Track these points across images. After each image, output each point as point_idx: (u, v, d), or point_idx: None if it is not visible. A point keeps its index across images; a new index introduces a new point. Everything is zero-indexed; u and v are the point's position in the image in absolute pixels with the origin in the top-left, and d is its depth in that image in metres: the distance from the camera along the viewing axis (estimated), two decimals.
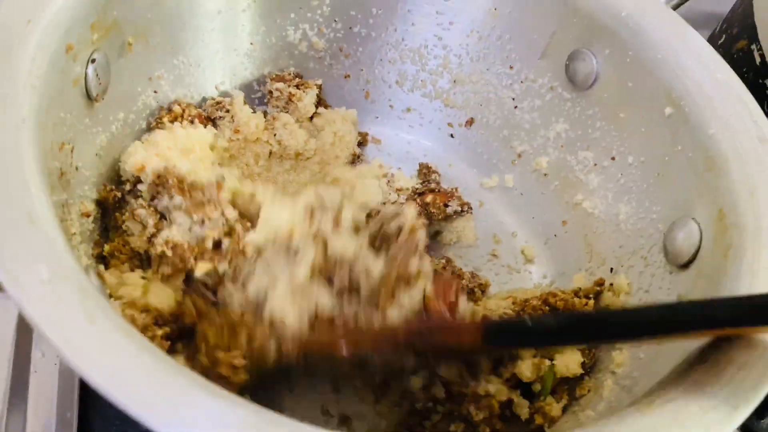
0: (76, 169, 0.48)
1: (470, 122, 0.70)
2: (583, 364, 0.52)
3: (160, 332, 0.45)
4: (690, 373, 0.37)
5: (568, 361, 0.52)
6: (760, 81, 0.59)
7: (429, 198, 0.63)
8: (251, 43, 0.65)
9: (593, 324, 0.40)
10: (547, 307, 0.55)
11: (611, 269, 0.58)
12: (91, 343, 0.30)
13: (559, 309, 0.54)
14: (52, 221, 0.35)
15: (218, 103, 0.61)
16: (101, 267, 0.49)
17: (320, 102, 0.66)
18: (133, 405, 0.29)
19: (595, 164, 0.62)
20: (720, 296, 0.43)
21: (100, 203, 0.51)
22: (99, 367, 0.29)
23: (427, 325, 0.46)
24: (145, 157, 0.51)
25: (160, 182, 0.50)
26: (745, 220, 0.45)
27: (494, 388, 0.49)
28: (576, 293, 0.56)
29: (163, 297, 0.47)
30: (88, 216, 0.49)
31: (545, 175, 0.66)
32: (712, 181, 0.49)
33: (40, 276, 0.31)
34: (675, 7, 0.60)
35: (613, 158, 0.60)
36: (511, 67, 0.66)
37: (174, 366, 0.32)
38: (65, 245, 0.34)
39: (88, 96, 0.49)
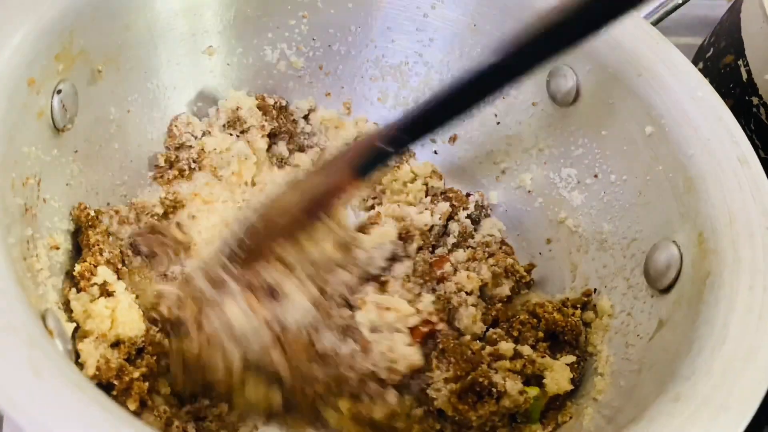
0: (44, 201, 0.48)
1: (454, 138, 0.69)
2: (572, 380, 0.51)
3: (136, 374, 0.44)
4: (662, 415, 0.36)
5: (558, 377, 0.51)
6: (747, 98, 0.58)
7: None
8: (227, 64, 0.64)
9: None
10: (535, 320, 0.54)
11: (594, 290, 0.57)
12: (36, 398, 0.29)
13: (548, 321, 0.53)
14: (4, 269, 0.34)
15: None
16: (73, 292, 0.48)
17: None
18: None
19: (578, 182, 0.61)
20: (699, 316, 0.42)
21: (73, 232, 0.51)
22: (42, 424, 0.29)
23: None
24: None
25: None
26: (724, 248, 0.44)
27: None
28: (564, 303, 0.55)
29: (131, 323, 0.47)
30: (57, 248, 0.48)
31: (529, 191, 0.65)
32: (692, 204, 0.48)
33: None
34: (657, 22, 0.59)
35: (596, 176, 0.59)
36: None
37: (126, 421, 0.31)
38: (16, 292, 0.34)
39: (55, 127, 0.48)
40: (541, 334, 0.53)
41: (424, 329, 0.51)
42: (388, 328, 0.51)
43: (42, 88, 0.46)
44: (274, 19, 0.63)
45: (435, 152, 0.70)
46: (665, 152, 0.51)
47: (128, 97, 0.57)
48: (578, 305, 0.55)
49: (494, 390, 0.48)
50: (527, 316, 0.54)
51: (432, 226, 0.61)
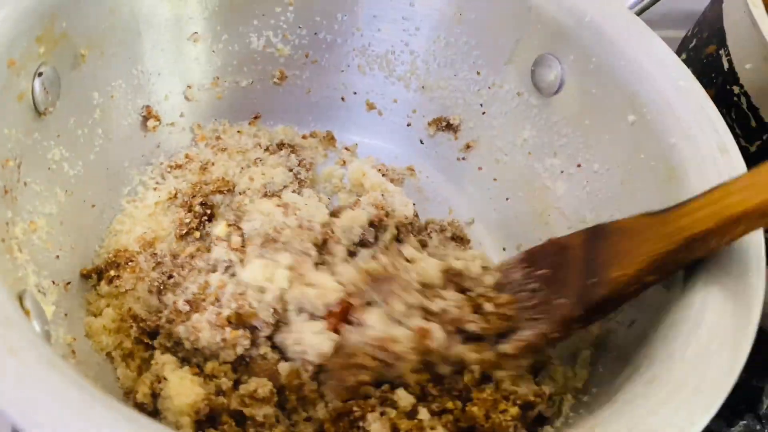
0: (24, 184, 0.47)
1: (438, 126, 0.69)
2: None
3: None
4: (637, 397, 0.36)
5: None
6: (728, 87, 0.58)
7: None
8: (213, 51, 0.64)
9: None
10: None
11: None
12: (11, 376, 0.29)
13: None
14: None
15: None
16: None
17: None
18: None
19: (562, 171, 0.61)
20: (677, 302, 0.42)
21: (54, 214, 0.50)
22: (19, 403, 0.29)
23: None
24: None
25: None
26: None
27: None
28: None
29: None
30: (35, 231, 0.48)
31: (514, 181, 0.65)
32: (672, 192, 0.48)
33: None
34: (641, 11, 0.59)
35: (579, 165, 0.59)
36: (478, 73, 0.65)
37: (102, 400, 0.31)
38: None
39: (36, 110, 0.48)
40: None
41: (338, 309, 0.48)
42: (308, 310, 0.49)
43: (23, 70, 0.46)
44: (260, 6, 0.63)
45: (421, 141, 0.70)
46: (647, 141, 0.52)
47: (112, 82, 0.57)
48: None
49: None
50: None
51: (412, 222, 0.61)
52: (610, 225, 0.46)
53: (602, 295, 0.43)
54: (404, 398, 0.46)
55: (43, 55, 0.48)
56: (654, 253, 0.41)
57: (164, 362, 0.48)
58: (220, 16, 0.62)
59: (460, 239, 0.64)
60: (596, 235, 0.46)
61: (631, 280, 0.42)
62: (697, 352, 0.37)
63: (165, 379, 0.46)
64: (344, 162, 0.68)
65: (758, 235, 0.43)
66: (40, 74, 0.48)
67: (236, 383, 0.48)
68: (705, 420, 0.34)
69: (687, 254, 0.41)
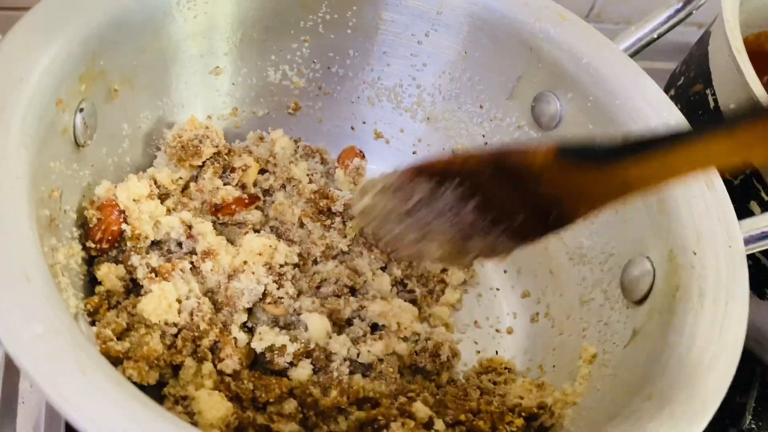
0: (65, 212, 0.51)
1: None
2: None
3: None
4: (636, 411, 0.40)
5: None
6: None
7: None
8: (233, 84, 0.67)
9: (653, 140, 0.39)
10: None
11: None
12: (83, 394, 0.33)
13: None
14: (46, 276, 0.37)
15: None
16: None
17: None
18: None
19: None
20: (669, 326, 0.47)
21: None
22: (91, 418, 0.32)
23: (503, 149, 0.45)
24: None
25: None
26: (692, 264, 0.49)
27: None
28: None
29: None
30: (73, 256, 0.51)
31: None
32: (663, 223, 0.53)
33: (35, 331, 0.34)
34: (634, 54, 0.64)
35: None
36: (481, 107, 0.69)
37: (165, 416, 0.34)
38: (57, 298, 0.37)
39: (76, 143, 0.52)
40: None
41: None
42: None
43: (67, 107, 0.49)
44: (278, 43, 0.67)
45: None
46: None
47: (140, 114, 0.61)
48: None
49: None
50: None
51: None
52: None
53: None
54: (421, 410, 0.49)
55: (84, 92, 0.52)
56: (597, 206, 0.42)
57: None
58: (241, 51, 0.66)
59: None
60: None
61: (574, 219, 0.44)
62: (689, 372, 0.41)
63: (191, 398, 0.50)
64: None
65: (742, 262, 0.48)
66: (81, 110, 0.51)
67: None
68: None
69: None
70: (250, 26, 0.65)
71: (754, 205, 0.60)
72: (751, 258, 0.59)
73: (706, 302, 0.46)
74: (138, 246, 0.54)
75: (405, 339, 0.58)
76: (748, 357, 0.48)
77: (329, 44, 0.68)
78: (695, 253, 0.49)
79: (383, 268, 0.63)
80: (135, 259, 0.53)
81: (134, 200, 0.55)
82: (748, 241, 0.50)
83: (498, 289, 0.68)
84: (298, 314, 0.56)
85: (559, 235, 0.65)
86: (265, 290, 0.55)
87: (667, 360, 0.43)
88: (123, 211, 0.54)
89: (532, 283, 0.67)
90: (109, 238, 0.54)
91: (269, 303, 0.55)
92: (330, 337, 0.55)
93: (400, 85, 0.71)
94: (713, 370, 0.42)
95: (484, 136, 0.70)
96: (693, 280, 0.48)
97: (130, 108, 0.59)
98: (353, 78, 0.71)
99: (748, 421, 0.67)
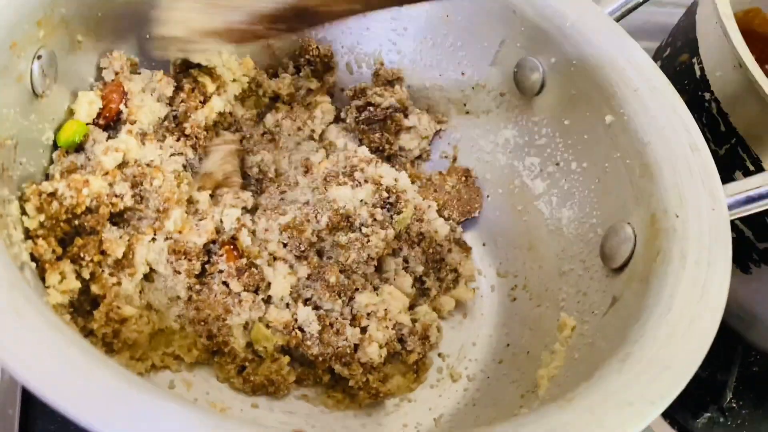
0: (20, 164, 0.48)
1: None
2: None
3: None
4: (612, 373, 0.38)
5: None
6: (700, 93, 0.61)
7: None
8: None
9: None
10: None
11: None
12: (20, 339, 0.30)
13: None
14: None
15: None
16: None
17: None
18: (62, 402, 0.30)
19: (541, 170, 0.63)
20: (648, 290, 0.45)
21: None
22: (28, 363, 0.30)
23: None
24: None
25: None
26: (674, 227, 0.47)
27: None
28: None
29: None
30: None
31: (494, 179, 0.67)
32: (646, 188, 0.51)
33: None
34: (620, 17, 0.62)
35: (557, 164, 0.62)
36: (462, 74, 0.67)
37: (105, 361, 0.32)
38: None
39: (34, 92, 0.49)
40: None
41: None
42: None
43: (23, 53, 0.47)
44: None
45: None
46: (623, 140, 0.54)
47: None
48: None
49: None
50: None
51: None
52: None
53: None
54: None
55: (43, 38, 0.49)
56: None
57: None
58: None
59: None
60: None
61: None
62: (668, 333, 0.40)
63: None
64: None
65: (726, 225, 0.46)
66: (39, 57, 0.49)
67: None
68: (674, 393, 0.36)
69: None
70: None
71: (739, 175, 0.59)
72: (735, 230, 0.58)
73: (688, 264, 0.44)
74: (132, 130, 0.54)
75: (386, 328, 0.54)
76: (729, 334, 0.47)
77: None
78: (677, 216, 0.47)
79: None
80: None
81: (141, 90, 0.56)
82: (732, 206, 0.49)
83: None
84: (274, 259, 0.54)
85: (538, 204, 0.63)
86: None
87: (645, 322, 0.41)
88: (126, 93, 0.55)
89: (510, 255, 0.65)
90: (107, 115, 0.54)
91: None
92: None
93: (379, 50, 0.69)
94: (694, 330, 0.40)
95: (465, 105, 0.68)
96: (674, 242, 0.46)
97: (95, 62, 0.57)
98: (332, 42, 0.69)
99: (728, 399, 0.65)
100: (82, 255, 0.47)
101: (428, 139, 0.68)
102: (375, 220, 0.56)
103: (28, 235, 0.47)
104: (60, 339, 0.31)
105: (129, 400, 0.30)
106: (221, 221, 0.54)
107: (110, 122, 0.55)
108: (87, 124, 0.54)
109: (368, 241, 0.55)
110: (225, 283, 0.52)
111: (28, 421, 0.52)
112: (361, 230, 0.55)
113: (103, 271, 0.48)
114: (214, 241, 0.53)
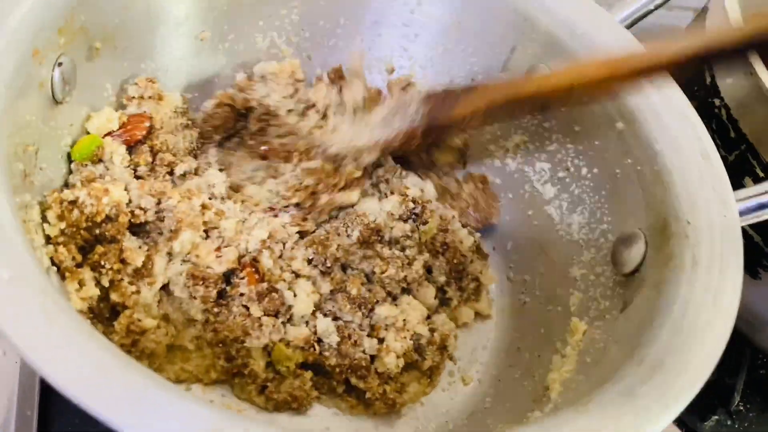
0: (41, 170, 0.49)
1: None
2: None
3: None
4: (626, 377, 0.39)
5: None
6: (710, 99, 0.62)
7: None
8: (219, 49, 0.65)
9: None
10: None
11: None
12: (51, 342, 0.31)
13: None
14: (14, 224, 0.36)
15: None
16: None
17: None
18: (93, 404, 0.30)
19: (551, 175, 0.64)
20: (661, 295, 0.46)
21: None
22: (58, 366, 0.30)
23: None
24: None
25: None
26: (686, 234, 0.47)
27: None
28: None
29: None
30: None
31: (504, 185, 0.68)
32: (658, 194, 0.52)
33: (2, 276, 0.32)
34: (630, 25, 0.63)
35: (568, 169, 0.62)
36: (473, 80, 0.68)
37: (134, 365, 0.33)
38: (26, 247, 0.35)
39: (54, 99, 0.50)
40: None
41: None
42: None
43: (45, 59, 0.47)
44: (267, 8, 0.65)
45: None
46: (635, 146, 0.55)
47: (123, 75, 0.59)
48: None
49: None
50: None
51: None
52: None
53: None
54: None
55: (63, 45, 0.50)
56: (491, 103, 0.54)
57: None
58: (228, 15, 0.64)
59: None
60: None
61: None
62: (681, 338, 0.40)
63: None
64: None
65: (737, 231, 0.47)
66: (60, 64, 0.49)
67: None
68: (689, 397, 0.37)
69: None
70: None
71: (748, 181, 0.59)
72: (744, 236, 0.58)
73: (700, 270, 0.45)
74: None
75: (404, 339, 0.54)
76: (738, 338, 0.48)
77: (319, 11, 0.67)
78: (689, 222, 0.48)
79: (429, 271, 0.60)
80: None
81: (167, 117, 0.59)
82: (742, 213, 0.49)
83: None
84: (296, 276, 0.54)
85: (548, 210, 0.64)
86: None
87: (659, 327, 0.42)
88: (151, 127, 0.58)
89: (520, 260, 0.66)
90: (128, 138, 0.56)
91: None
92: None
93: (390, 56, 0.70)
94: (707, 336, 0.40)
95: None
96: (686, 249, 0.47)
97: (111, 69, 0.57)
98: (343, 48, 0.69)
99: (736, 403, 0.66)
100: (102, 263, 0.48)
101: None
102: (408, 237, 0.57)
103: (49, 241, 0.48)
104: (90, 342, 0.32)
105: (161, 403, 0.31)
106: (247, 249, 0.54)
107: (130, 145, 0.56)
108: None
109: (409, 264, 0.55)
110: (245, 306, 0.51)
111: (46, 422, 0.53)
112: (405, 251, 0.56)
113: (122, 279, 0.48)
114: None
